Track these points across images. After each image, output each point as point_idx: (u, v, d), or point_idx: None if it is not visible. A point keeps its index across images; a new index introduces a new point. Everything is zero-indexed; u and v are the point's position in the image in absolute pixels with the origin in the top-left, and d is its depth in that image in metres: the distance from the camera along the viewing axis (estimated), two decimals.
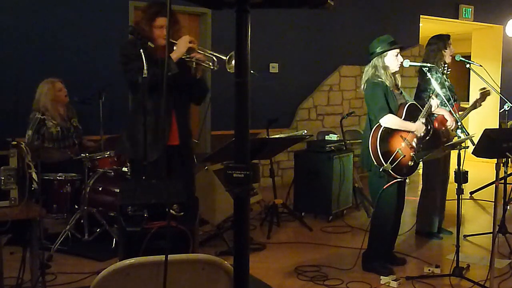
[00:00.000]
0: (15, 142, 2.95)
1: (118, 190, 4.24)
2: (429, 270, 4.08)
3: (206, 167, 4.72)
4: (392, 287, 3.82)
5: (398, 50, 4.02)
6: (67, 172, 4.71)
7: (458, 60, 4.90)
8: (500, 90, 5.18)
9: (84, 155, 4.63)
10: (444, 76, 4.56)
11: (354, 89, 8.32)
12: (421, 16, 9.38)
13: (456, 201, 3.85)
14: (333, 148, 5.87)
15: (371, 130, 3.92)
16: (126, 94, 6.50)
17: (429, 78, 4.32)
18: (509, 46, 10.69)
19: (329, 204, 5.66)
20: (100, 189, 4.68)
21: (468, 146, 3.96)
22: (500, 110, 5.19)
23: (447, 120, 4.57)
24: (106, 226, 4.51)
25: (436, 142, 4.59)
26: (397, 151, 3.85)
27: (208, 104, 6.71)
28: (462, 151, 3.85)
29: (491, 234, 3.74)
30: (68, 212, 4.69)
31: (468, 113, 5.08)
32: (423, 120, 4.00)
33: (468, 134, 4.25)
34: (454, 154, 4.10)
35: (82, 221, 4.57)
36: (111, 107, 5.59)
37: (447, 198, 5.16)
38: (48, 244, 4.22)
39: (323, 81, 8.31)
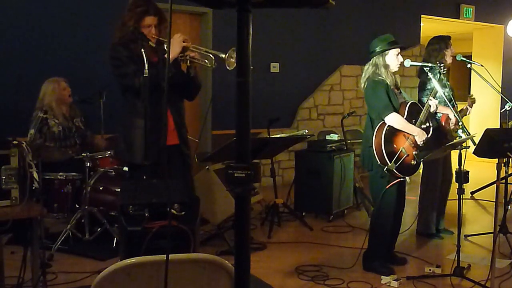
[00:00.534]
0: (16, 142, 2.95)
1: (119, 190, 4.23)
2: (430, 270, 4.08)
3: (207, 167, 4.72)
4: (393, 287, 3.82)
5: (398, 50, 4.02)
6: (68, 172, 4.72)
7: (459, 60, 4.90)
8: (501, 90, 5.18)
9: (85, 154, 4.63)
10: (441, 75, 4.55)
11: (355, 88, 8.32)
12: (422, 15, 9.38)
13: (457, 201, 3.85)
14: (334, 147, 5.87)
15: (373, 129, 3.90)
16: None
17: (430, 78, 4.32)
18: (510, 46, 10.68)
19: (330, 203, 5.65)
20: (101, 188, 4.68)
21: (469, 146, 3.96)
22: (501, 110, 5.20)
23: (450, 119, 4.57)
24: (107, 226, 4.52)
25: (438, 142, 4.59)
26: (401, 150, 3.84)
27: (209, 103, 6.71)
28: (463, 151, 3.85)
29: (492, 234, 3.74)
30: (69, 211, 4.69)
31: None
32: (424, 122, 3.99)
33: (469, 134, 4.25)
34: (455, 154, 4.09)
35: (83, 220, 4.58)
36: (112, 106, 5.58)
37: (448, 198, 5.16)
38: (49, 244, 4.23)
39: (324, 81, 8.31)
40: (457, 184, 3.87)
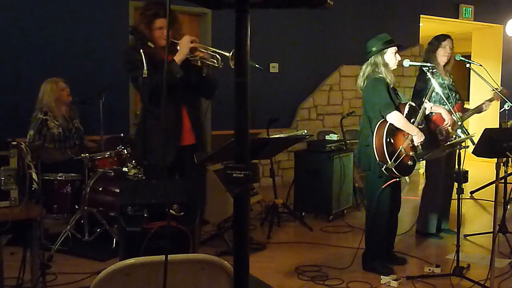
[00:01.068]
0: (15, 142, 2.95)
1: (118, 190, 4.24)
2: (430, 269, 4.08)
3: (206, 167, 4.72)
4: (392, 287, 3.82)
5: (396, 48, 4.02)
6: (68, 172, 4.72)
7: (458, 59, 4.89)
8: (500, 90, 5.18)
9: (84, 155, 4.63)
10: (434, 76, 4.52)
11: (354, 88, 8.27)
12: (421, 15, 9.38)
13: (457, 200, 3.85)
14: (333, 148, 5.87)
15: (372, 127, 3.90)
16: (126, 94, 6.53)
17: (428, 78, 4.32)
18: (509, 46, 10.68)
19: (330, 204, 5.66)
20: (100, 189, 4.68)
21: (468, 146, 3.96)
22: (500, 109, 5.19)
23: (443, 119, 4.57)
24: (106, 226, 4.51)
25: (436, 142, 4.60)
26: (400, 150, 3.84)
27: (208, 104, 6.71)
28: (462, 151, 3.85)
29: (492, 234, 3.74)
30: (69, 212, 4.69)
31: (472, 114, 5.05)
32: (420, 124, 4.00)
33: (468, 134, 4.25)
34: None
35: (82, 221, 4.57)
36: (111, 107, 5.59)
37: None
38: (48, 244, 4.23)
39: (323, 81, 8.31)
40: (457, 183, 3.87)
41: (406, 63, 4.18)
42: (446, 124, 4.59)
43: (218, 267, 1.68)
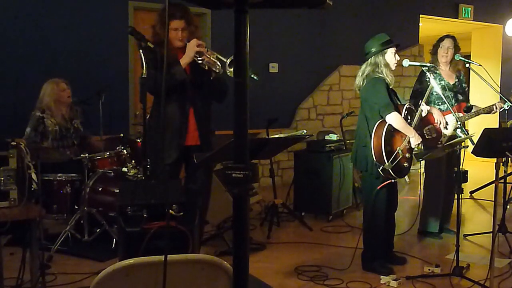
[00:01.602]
0: (15, 143, 2.95)
1: (117, 191, 4.24)
2: (429, 269, 4.08)
3: None
4: (392, 287, 3.82)
5: (395, 49, 4.02)
6: (67, 173, 4.71)
7: (458, 59, 4.89)
8: (500, 90, 5.17)
9: (84, 155, 4.63)
10: (433, 76, 4.52)
11: (354, 88, 8.29)
12: (420, 15, 9.39)
13: (456, 200, 3.85)
14: (333, 148, 5.87)
15: (369, 127, 3.90)
16: (126, 94, 6.53)
17: (426, 78, 4.32)
18: (508, 46, 10.69)
19: (329, 204, 5.66)
20: (100, 189, 4.68)
21: (468, 146, 3.96)
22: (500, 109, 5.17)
23: (433, 118, 4.57)
24: (106, 227, 4.51)
25: (429, 141, 4.60)
26: (398, 151, 3.84)
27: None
28: (462, 151, 3.85)
29: (491, 234, 3.74)
30: (68, 212, 4.69)
31: (479, 114, 5.00)
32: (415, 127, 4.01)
33: (468, 134, 4.25)
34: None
35: (82, 221, 4.57)
36: (110, 107, 5.58)
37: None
38: (48, 245, 4.22)
39: (323, 81, 8.31)
40: (456, 183, 3.87)
41: (406, 63, 4.18)
42: (437, 124, 4.59)
43: (217, 267, 1.68)
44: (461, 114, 4.80)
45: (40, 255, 3.08)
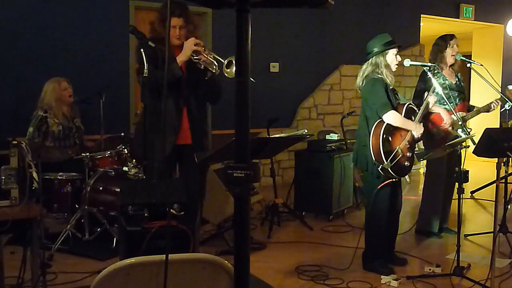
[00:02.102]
0: (16, 142, 2.95)
1: (118, 190, 4.24)
2: (430, 269, 4.08)
3: None
4: (392, 287, 3.82)
5: (397, 49, 4.02)
6: (68, 172, 4.72)
7: (459, 59, 4.89)
8: (501, 90, 5.17)
9: (84, 154, 4.63)
10: (435, 76, 4.51)
11: (354, 88, 8.29)
12: (421, 15, 9.38)
13: (457, 200, 3.85)
14: (333, 147, 5.87)
15: (369, 127, 3.90)
16: (127, 93, 6.53)
17: (429, 78, 4.31)
18: (509, 45, 10.68)
19: (330, 203, 5.65)
20: (100, 188, 4.68)
21: (469, 146, 3.95)
22: (500, 109, 5.17)
23: (442, 119, 4.56)
24: (107, 226, 4.51)
25: (433, 142, 4.59)
26: (397, 150, 3.84)
27: (208, 104, 6.71)
28: (463, 151, 3.85)
29: (492, 234, 3.74)
30: (69, 211, 4.69)
31: (479, 113, 5.01)
32: (420, 119, 3.99)
33: (469, 134, 4.24)
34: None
35: (82, 220, 4.57)
36: (111, 106, 5.59)
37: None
38: (48, 244, 4.23)
39: (324, 81, 8.31)
40: (457, 183, 3.87)
41: (407, 62, 4.18)
42: (445, 124, 4.59)
43: (218, 267, 1.68)
44: (464, 114, 4.81)
45: (41, 254, 3.07)
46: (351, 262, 4.12)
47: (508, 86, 5.12)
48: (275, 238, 5.05)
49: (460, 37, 5.15)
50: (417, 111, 4.04)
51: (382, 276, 3.94)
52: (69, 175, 4.71)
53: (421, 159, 4.06)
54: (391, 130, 3.87)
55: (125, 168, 4.68)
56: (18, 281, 3.14)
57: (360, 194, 6.17)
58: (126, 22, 6.22)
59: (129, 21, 6.36)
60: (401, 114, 3.92)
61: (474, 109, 4.96)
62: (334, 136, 6.39)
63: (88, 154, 4.65)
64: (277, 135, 5.29)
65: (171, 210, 2.96)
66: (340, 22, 8.28)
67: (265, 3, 1.24)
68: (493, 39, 10.67)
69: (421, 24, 9.48)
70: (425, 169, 5.20)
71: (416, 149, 4.05)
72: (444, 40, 4.91)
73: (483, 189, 6.97)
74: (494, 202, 3.62)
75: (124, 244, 3.10)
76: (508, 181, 5.00)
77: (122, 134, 5.31)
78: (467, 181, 3.91)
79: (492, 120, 9.89)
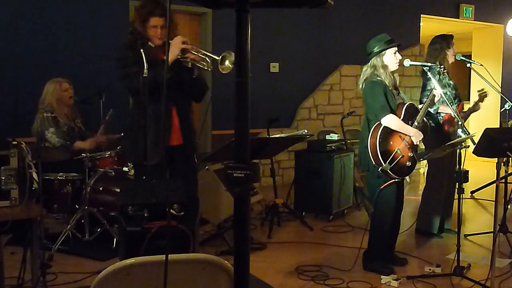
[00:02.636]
0: (16, 142, 2.95)
1: (118, 190, 4.24)
2: (430, 269, 4.08)
3: (207, 167, 4.72)
4: (393, 287, 3.82)
5: (396, 48, 4.01)
6: (68, 172, 4.71)
7: (459, 59, 4.90)
8: (501, 90, 5.18)
9: (84, 154, 4.63)
10: (441, 76, 4.53)
11: (354, 88, 8.31)
12: (421, 15, 9.38)
13: (457, 200, 3.85)
14: (333, 147, 5.87)
15: (370, 129, 3.91)
16: (127, 94, 6.52)
17: (429, 77, 4.32)
18: (509, 46, 10.68)
19: (330, 203, 5.65)
20: (100, 189, 4.68)
21: (469, 146, 3.95)
22: (500, 109, 5.19)
23: (454, 118, 4.56)
24: (107, 226, 4.51)
25: (439, 143, 4.59)
26: (396, 151, 3.84)
27: (209, 103, 6.71)
28: (463, 151, 3.85)
29: (492, 234, 3.74)
30: (69, 212, 4.69)
31: (468, 115, 5.06)
32: (423, 116, 4.00)
33: (469, 134, 4.25)
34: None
35: (82, 221, 4.57)
36: (111, 106, 5.58)
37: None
38: (48, 244, 4.23)
39: (324, 81, 8.31)
40: (457, 183, 3.87)
41: (407, 62, 4.18)
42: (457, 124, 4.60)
43: (218, 267, 1.68)
44: (462, 114, 4.82)
45: (41, 254, 3.07)
46: (354, 263, 4.12)
47: None
48: (275, 238, 5.05)
49: (460, 37, 5.17)
50: (419, 110, 4.05)
51: (382, 276, 3.94)
52: (69, 176, 4.71)
53: (421, 159, 4.05)
54: (389, 132, 3.88)
55: (125, 169, 4.68)
56: (18, 282, 3.14)
57: (360, 195, 6.17)
58: (126, 22, 6.21)
59: (129, 21, 6.35)
60: (401, 115, 3.92)
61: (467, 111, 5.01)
62: (334, 136, 6.39)
63: (88, 154, 4.64)
64: (277, 135, 5.29)
65: (171, 210, 2.96)
66: (340, 22, 8.28)
67: (265, 3, 1.25)
68: (493, 39, 10.67)
69: (421, 24, 9.48)
70: (425, 169, 5.20)
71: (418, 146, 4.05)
72: (446, 40, 4.91)
73: (483, 189, 6.97)
74: (494, 202, 3.62)
75: (124, 245, 3.10)
76: (508, 181, 5.00)
77: (122, 134, 5.30)
78: (467, 181, 3.91)
79: (492, 120, 9.90)
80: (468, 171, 3.91)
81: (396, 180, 3.93)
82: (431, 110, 4.59)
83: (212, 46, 6.91)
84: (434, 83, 4.25)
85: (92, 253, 4.38)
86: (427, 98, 4.20)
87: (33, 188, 2.96)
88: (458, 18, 9.89)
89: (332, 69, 8.36)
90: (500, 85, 7.58)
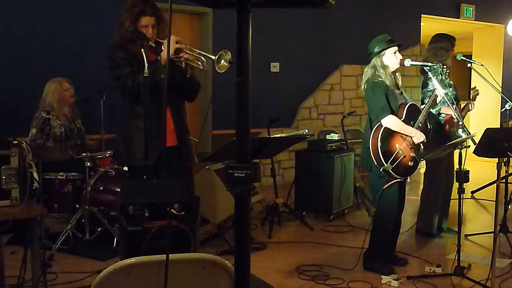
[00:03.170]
0: (16, 142, 2.95)
1: (119, 189, 4.24)
2: (430, 269, 4.08)
3: (207, 167, 4.72)
4: (393, 287, 3.82)
5: (396, 48, 4.01)
6: (68, 172, 4.72)
7: (460, 59, 4.90)
8: (501, 90, 5.17)
9: (85, 154, 4.63)
10: (443, 76, 4.53)
11: (355, 88, 8.32)
12: (422, 15, 9.38)
13: (458, 200, 3.85)
14: (334, 147, 5.87)
15: (372, 130, 3.91)
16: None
17: (430, 77, 4.31)
18: (510, 46, 10.68)
19: (330, 203, 5.65)
20: (101, 188, 4.68)
21: (470, 146, 3.95)
22: (501, 109, 5.19)
23: (455, 119, 4.56)
24: (107, 226, 4.52)
25: (440, 143, 4.59)
26: (398, 151, 3.84)
27: (209, 103, 6.72)
28: (463, 151, 3.85)
29: (492, 234, 3.74)
30: (69, 211, 4.69)
31: (464, 115, 5.05)
32: (425, 116, 3.99)
33: (469, 134, 4.24)
34: (456, 153, 4.09)
35: (83, 220, 4.58)
36: (112, 106, 5.59)
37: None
38: (49, 244, 4.23)
39: (324, 80, 8.31)
40: (458, 183, 3.87)
41: (408, 62, 4.18)
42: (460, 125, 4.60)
43: (219, 267, 1.68)
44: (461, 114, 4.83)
45: (41, 254, 3.07)
46: (356, 263, 4.11)
47: None
48: (275, 238, 5.05)
49: (460, 37, 5.18)
50: (421, 110, 4.05)
51: (382, 276, 3.94)
52: (69, 175, 4.71)
53: (421, 159, 4.05)
54: (390, 132, 3.88)
55: (125, 168, 4.67)
56: (19, 281, 3.14)
57: (360, 194, 6.17)
58: None
59: None
60: (402, 115, 3.92)
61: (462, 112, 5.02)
62: (334, 136, 6.39)
63: (88, 154, 4.65)
64: (277, 135, 5.29)
65: (172, 210, 2.96)
66: (340, 22, 8.28)
67: (266, 3, 1.24)
68: (494, 39, 10.67)
69: (422, 24, 9.48)
70: (425, 169, 5.21)
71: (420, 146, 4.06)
72: (450, 41, 4.91)
73: (483, 189, 6.97)
74: (494, 202, 3.62)
75: (124, 244, 3.10)
76: (508, 181, 4.99)
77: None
78: (468, 181, 3.91)
79: (492, 120, 9.90)
80: (468, 171, 3.91)
81: (398, 180, 3.93)
82: (433, 111, 4.60)
83: (213, 46, 6.91)
84: (435, 83, 4.25)
85: (92, 253, 4.38)
86: (429, 98, 4.20)
87: (34, 188, 2.96)
88: (459, 18, 9.88)
89: (332, 69, 8.36)
90: (501, 85, 7.58)
